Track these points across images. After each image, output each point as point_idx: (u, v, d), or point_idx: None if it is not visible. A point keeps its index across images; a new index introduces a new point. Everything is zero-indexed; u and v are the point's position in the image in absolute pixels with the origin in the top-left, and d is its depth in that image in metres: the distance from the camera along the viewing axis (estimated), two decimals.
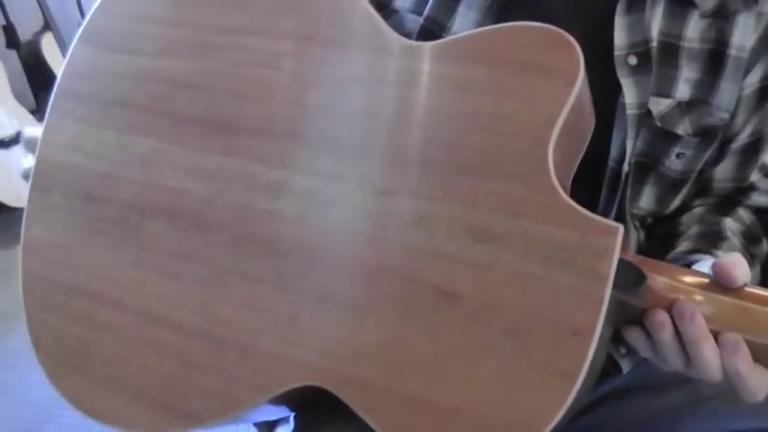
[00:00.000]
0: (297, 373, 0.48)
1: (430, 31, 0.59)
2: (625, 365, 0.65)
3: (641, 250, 0.65)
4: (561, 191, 0.44)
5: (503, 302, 0.44)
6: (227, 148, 0.54)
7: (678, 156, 0.59)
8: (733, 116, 0.59)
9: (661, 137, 0.58)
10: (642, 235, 0.65)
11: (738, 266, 0.44)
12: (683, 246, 0.60)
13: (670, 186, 0.62)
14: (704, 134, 0.59)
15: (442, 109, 0.48)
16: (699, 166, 0.61)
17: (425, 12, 0.59)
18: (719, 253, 0.57)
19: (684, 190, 0.63)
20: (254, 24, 0.54)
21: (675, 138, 0.58)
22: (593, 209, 0.53)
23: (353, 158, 0.49)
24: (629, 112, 0.56)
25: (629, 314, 0.46)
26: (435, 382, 0.44)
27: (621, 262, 0.43)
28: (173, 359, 0.52)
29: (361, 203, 0.49)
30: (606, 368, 0.66)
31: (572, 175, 0.50)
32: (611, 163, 0.58)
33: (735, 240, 0.59)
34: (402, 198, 0.48)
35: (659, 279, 0.45)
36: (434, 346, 0.45)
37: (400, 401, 0.44)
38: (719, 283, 0.45)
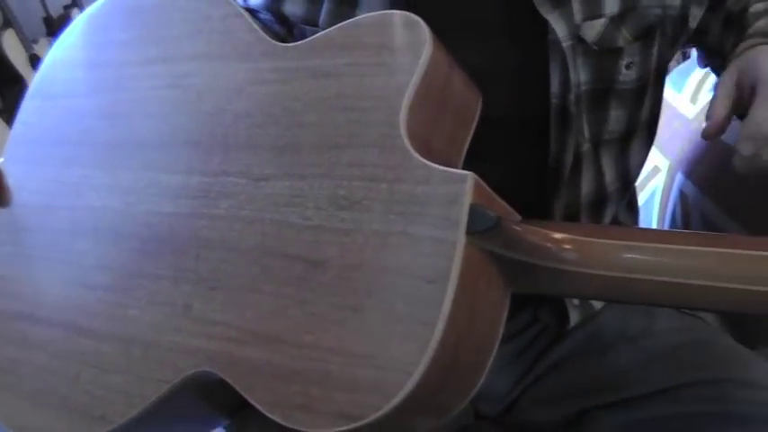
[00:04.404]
0: (190, 361, 0.50)
1: None
2: (574, 317, 0.65)
3: None
4: (414, 152, 0.46)
5: (364, 263, 0.45)
6: (139, 164, 0.59)
7: (628, 66, 0.59)
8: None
9: (603, 57, 0.58)
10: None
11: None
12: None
13: (634, 99, 0.61)
14: (645, 35, 0.59)
15: (309, 97, 0.52)
16: (653, 66, 0.61)
17: (320, 23, 0.60)
18: None
19: (648, 94, 0.62)
20: (162, 53, 0.61)
21: (617, 51, 0.58)
22: (545, 149, 0.58)
23: (239, 153, 0.54)
24: (564, 45, 0.56)
25: (519, 270, 0.46)
26: (308, 350, 0.45)
27: (475, 207, 0.43)
28: (90, 365, 0.55)
29: (242, 192, 0.52)
30: (554, 329, 0.67)
31: (465, 147, 0.52)
32: (553, 99, 0.58)
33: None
34: (277, 181, 0.51)
35: (535, 230, 0.47)
36: (306, 315, 0.46)
37: (276, 375, 0.46)
38: None
